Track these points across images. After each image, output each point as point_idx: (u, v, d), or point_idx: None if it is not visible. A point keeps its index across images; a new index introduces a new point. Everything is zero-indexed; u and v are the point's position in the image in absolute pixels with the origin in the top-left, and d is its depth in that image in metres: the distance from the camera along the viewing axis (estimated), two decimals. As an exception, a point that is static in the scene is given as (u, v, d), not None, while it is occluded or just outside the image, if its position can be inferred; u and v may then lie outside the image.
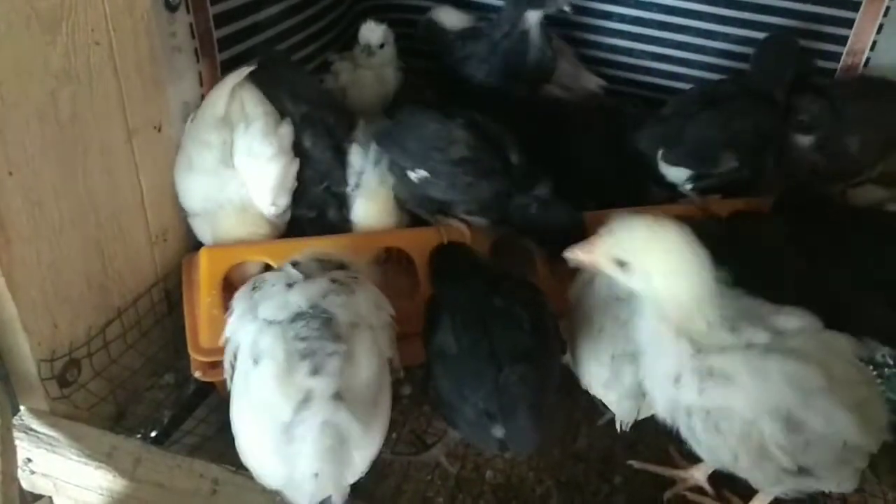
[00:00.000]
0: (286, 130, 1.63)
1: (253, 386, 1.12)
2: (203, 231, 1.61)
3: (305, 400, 1.07)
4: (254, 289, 1.23)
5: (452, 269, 1.50)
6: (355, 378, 1.13)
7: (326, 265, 1.28)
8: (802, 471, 1.19)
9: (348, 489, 1.10)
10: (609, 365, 1.34)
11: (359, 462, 1.12)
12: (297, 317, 1.15)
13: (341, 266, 1.29)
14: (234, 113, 1.61)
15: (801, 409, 1.14)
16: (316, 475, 1.06)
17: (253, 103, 1.63)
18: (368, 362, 1.17)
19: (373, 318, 1.23)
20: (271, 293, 1.19)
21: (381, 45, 1.97)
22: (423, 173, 1.60)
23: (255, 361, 1.12)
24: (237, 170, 1.59)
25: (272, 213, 1.60)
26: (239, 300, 1.23)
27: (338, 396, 1.09)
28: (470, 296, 1.34)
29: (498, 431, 1.21)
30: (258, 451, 1.12)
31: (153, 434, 1.52)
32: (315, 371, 1.09)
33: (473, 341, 1.24)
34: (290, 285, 1.20)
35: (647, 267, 1.16)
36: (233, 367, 1.20)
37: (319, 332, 1.13)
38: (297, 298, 1.17)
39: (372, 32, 1.97)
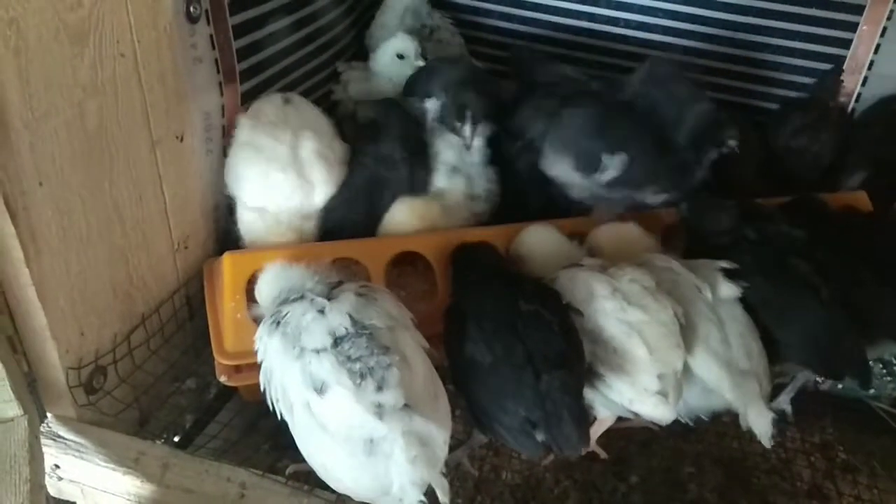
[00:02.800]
0: (342, 147, 1.74)
1: (325, 415, 1.14)
2: (249, 224, 1.64)
3: (380, 415, 1.11)
4: (278, 324, 1.24)
5: (474, 274, 1.50)
6: (415, 380, 1.17)
7: (325, 281, 1.31)
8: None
9: (447, 483, 1.13)
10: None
11: (442, 453, 1.16)
12: (341, 339, 1.17)
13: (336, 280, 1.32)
14: (298, 122, 1.68)
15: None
16: (414, 483, 1.09)
17: (313, 115, 1.74)
18: (419, 360, 1.22)
19: (403, 318, 1.27)
20: (307, 323, 1.21)
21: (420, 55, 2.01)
22: (620, 157, 1.65)
23: (320, 391, 1.14)
24: (305, 170, 1.63)
25: (317, 205, 1.67)
26: (268, 338, 1.24)
27: (407, 405, 1.12)
28: (495, 301, 1.35)
29: (541, 437, 1.23)
30: (351, 474, 1.14)
31: (176, 439, 1.53)
32: (380, 386, 1.13)
33: (508, 349, 1.26)
34: (321, 311, 1.22)
35: None
36: (283, 407, 1.22)
37: (368, 348, 1.16)
38: (338, 321, 1.19)
39: (411, 43, 2.01)
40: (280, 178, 1.60)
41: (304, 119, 1.70)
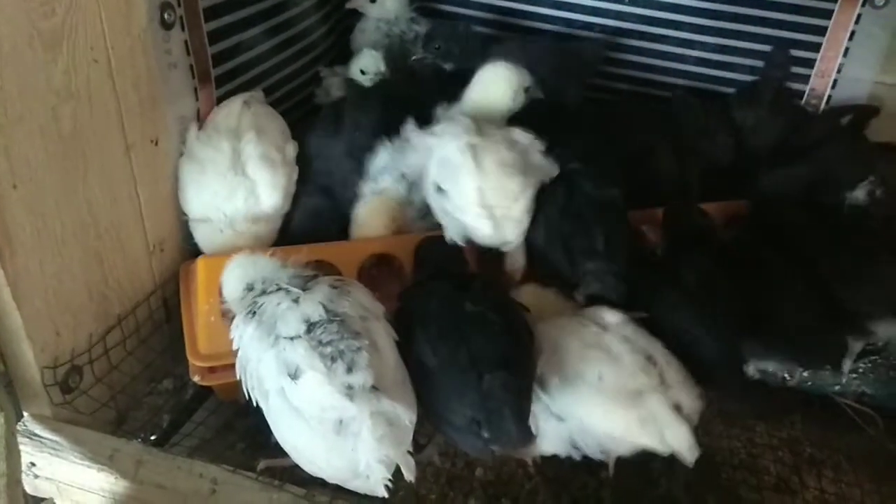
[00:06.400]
0: (293, 146, 1.77)
1: (298, 399, 1.18)
2: (201, 236, 1.68)
3: (350, 396, 1.15)
4: (254, 314, 1.28)
5: (424, 274, 1.55)
6: (384, 366, 1.22)
7: (302, 274, 1.35)
8: None
9: (412, 461, 1.17)
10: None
11: (408, 434, 1.20)
12: (314, 325, 1.22)
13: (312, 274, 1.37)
14: (244, 125, 1.71)
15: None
16: (381, 461, 1.13)
17: (267, 118, 1.77)
18: (388, 348, 1.26)
19: (375, 309, 1.31)
20: (282, 311, 1.25)
21: (376, 74, 2.04)
22: None
23: (294, 377, 1.18)
24: (248, 175, 1.66)
25: (274, 213, 1.71)
26: (244, 327, 1.28)
27: (375, 387, 1.17)
28: (441, 303, 1.38)
29: (486, 435, 1.24)
30: (322, 454, 1.18)
31: (153, 438, 1.55)
32: (350, 369, 1.17)
33: (452, 351, 1.28)
34: (296, 300, 1.26)
35: None
36: (258, 395, 1.25)
37: (339, 333, 1.21)
38: (312, 309, 1.24)
39: (372, 59, 2.04)
40: (217, 183, 1.64)
41: (255, 123, 1.72)
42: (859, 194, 1.80)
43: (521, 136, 1.60)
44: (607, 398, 1.33)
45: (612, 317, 1.44)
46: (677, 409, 1.32)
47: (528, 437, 1.26)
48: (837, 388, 1.69)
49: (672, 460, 1.56)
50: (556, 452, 1.42)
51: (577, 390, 1.35)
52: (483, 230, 1.53)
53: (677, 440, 1.31)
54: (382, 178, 1.73)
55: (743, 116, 2.04)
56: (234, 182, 1.64)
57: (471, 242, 1.59)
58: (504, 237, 1.56)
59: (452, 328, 1.31)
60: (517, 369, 1.28)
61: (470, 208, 1.52)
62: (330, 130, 1.83)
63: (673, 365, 1.39)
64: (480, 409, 1.23)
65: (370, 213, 1.71)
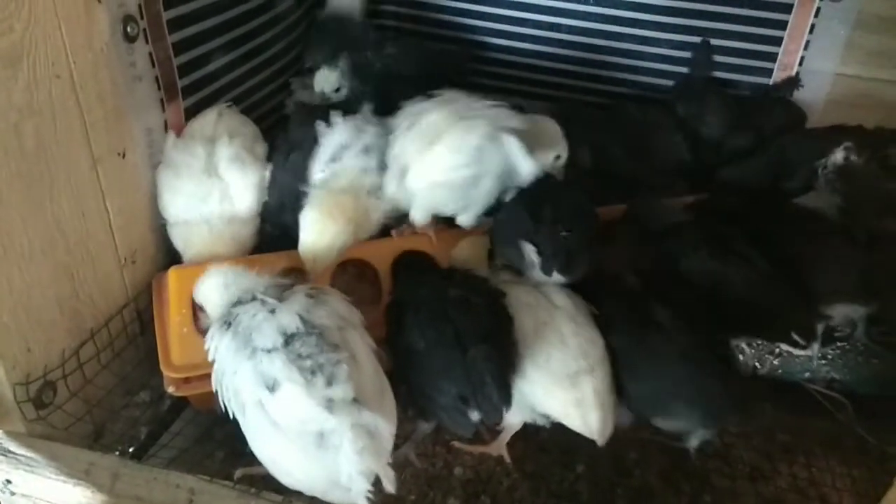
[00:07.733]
0: (263, 147, 1.80)
1: (277, 412, 1.19)
2: (179, 240, 1.69)
3: (330, 409, 1.16)
4: (229, 325, 1.28)
5: (411, 273, 1.59)
6: (363, 376, 1.23)
7: (281, 285, 1.36)
8: None
9: (392, 472, 1.18)
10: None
11: (388, 445, 1.21)
12: (291, 337, 1.23)
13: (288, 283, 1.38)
14: (219, 132, 1.74)
15: None
16: (362, 473, 1.14)
17: (239, 123, 1.81)
18: (366, 358, 1.28)
19: (352, 317, 1.32)
20: (258, 323, 1.26)
21: (337, 90, 2.03)
22: None
23: (271, 389, 1.19)
24: (220, 176, 1.68)
25: (249, 214, 1.71)
26: (220, 338, 1.29)
27: (355, 399, 1.18)
28: (427, 291, 1.44)
29: (473, 414, 1.31)
30: (302, 467, 1.19)
31: (131, 450, 1.55)
32: (330, 381, 1.18)
33: (439, 333, 1.34)
34: (272, 311, 1.27)
35: None
36: (235, 407, 1.26)
37: (318, 346, 1.22)
38: (288, 320, 1.25)
39: (326, 80, 2.02)
40: (192, 186, 1.65)
41: (229, 128, 1.75)
42: (837, 158, 1.82)
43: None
44: (551, 379, 1.40)
45: (560, 300, 1.49)
46: (597, 394, 1.39)
47: (508, 404, 1.32)
48: (807, 374, 1.72)
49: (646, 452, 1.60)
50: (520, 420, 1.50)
51: (525, 368, 1.40)
52: (388, 187, 1.61)
53: (595, 424, 1.38)
54: (342, 157, 1.65)
55: (686, 111, 2.10)
56: (209, 184, 1.66)
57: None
58: (409, 199, 1.61)
59: (439, 312, 1.37)
60: (499, 344, 1.35)
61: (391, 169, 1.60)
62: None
63: (603, 349, 1.46)
64: (466, 383, 1.29)
65: (320, 216, 1.58)
